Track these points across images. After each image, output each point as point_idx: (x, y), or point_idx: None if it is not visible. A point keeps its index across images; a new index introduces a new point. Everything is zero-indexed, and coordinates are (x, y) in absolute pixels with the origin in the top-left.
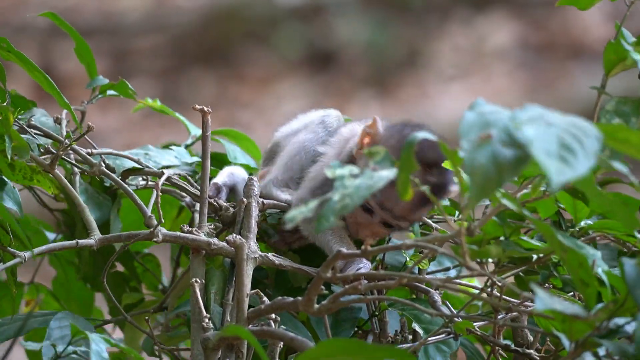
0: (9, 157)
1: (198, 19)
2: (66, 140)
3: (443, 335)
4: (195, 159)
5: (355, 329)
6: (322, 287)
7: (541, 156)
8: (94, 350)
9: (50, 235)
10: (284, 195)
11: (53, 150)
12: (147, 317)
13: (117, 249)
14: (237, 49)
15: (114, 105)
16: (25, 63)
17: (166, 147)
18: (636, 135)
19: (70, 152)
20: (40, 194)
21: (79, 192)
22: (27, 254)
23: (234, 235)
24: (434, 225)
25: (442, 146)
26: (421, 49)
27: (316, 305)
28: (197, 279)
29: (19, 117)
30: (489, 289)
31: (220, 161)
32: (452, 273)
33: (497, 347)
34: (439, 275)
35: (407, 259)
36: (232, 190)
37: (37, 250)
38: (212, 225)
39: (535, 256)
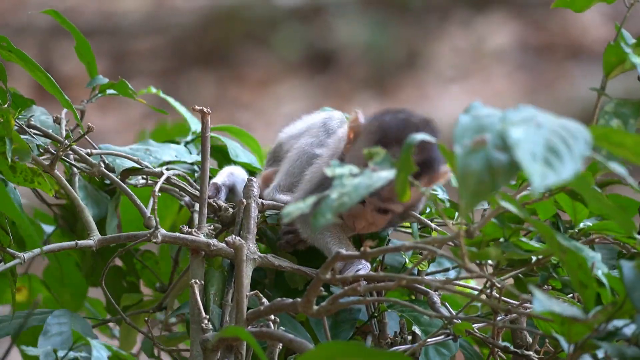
0: (10, 159)
1: (198, 20)
2: (66, 141)
3: (442, 336)
4: (196, 157)
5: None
6: (322, 288)
7: (525, 159)
8: (95, 357)
9: (47, 228)
10: (286, 198)
11: (52, 151)
12: (146, 318)
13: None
14: (237, 50)
15: (114, 105)
16: (27, 62)
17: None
18: (631, 138)
19: (70, 152)
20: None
21: (78, 188)
22: (26, 255)
23: (234, 236)
24: (433, 226)
25: (440, 147)
26: (421, 50)
27: (315, 307)
28: (197, 280)
29: (19, 116)
30: (488, 291)
31: (223, 154)
32: (452, 274)
33: (496, 349)
34: (439, 277)
35: (407, 260)
36: (231, 190)
37: (36, 251)
38: (212, 226)
39: (534, 258)
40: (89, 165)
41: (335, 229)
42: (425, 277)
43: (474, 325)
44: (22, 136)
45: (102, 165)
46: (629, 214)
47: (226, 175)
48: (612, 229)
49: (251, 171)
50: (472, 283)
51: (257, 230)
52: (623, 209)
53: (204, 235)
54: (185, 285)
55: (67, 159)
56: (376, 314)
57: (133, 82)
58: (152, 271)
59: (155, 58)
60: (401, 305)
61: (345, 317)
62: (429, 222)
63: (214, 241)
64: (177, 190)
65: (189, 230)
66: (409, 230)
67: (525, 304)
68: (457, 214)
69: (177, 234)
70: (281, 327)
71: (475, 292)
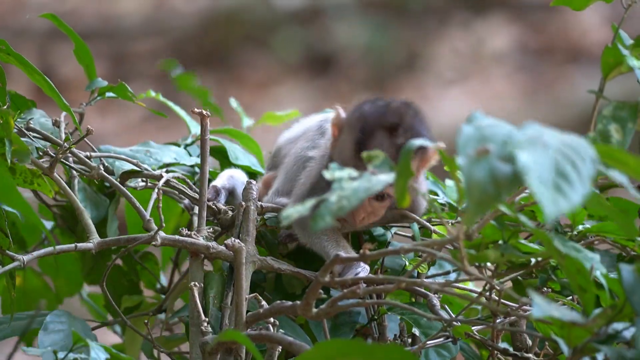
0: (9, 160)
1: (197, 22)
2: (65, 144)
3: (442, 339)
4: (195, 160)
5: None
6: (321, 291)
7: (536, 185)
8: (93, 359)
9: (47, 225)
10: (285, 201)
11: (52, 153)
12: (146, 320)
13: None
14: (236, 53)
15: (113, 108)
16: (25, 65)
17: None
18: (634, 160)
19: (69, 155)
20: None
21: (77, 190)
22: (26, 257)
23: (233, 239)
24: (432, 228)
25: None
26: (420, 52)
27: (315, 310)
28: (196, 283)
29: (18, 119)
30: (488, 293)
31: (225, 155)
32: (453, 276)
33: (495, 351)
34: (439, 279)
35: (407, 262)
36: (231, 193)
37: (35, 254)
38: (211, 229)
39: (533, 260)
40: (88, 168)
41: (332, 232)
42: (425, 280)
43: (473, 328)
44: (22, 139)
45: (102, 168)
46: (630, 217)
47: (226, 178)
48: (610, 231)
49: (252, 173)
50: (471, 285)
51: (256, 233)
52: (624, 211)
53: (203, 238)
54: (184, 288)
55: (67, 162)
56: (376, 317)
57: (132, 84)
58: (152, 273)
59: (154, 60)
60: (401, 307)
61: (344, 319)
62: (427, 223)
63: (213, 244)
64: (177, 192)
65: (189, 233)
66: (409, 234)
67: (525, 307)
68: (456, 215)
69: (177, 237)
70: (281, 330)
71: (475, 295)
